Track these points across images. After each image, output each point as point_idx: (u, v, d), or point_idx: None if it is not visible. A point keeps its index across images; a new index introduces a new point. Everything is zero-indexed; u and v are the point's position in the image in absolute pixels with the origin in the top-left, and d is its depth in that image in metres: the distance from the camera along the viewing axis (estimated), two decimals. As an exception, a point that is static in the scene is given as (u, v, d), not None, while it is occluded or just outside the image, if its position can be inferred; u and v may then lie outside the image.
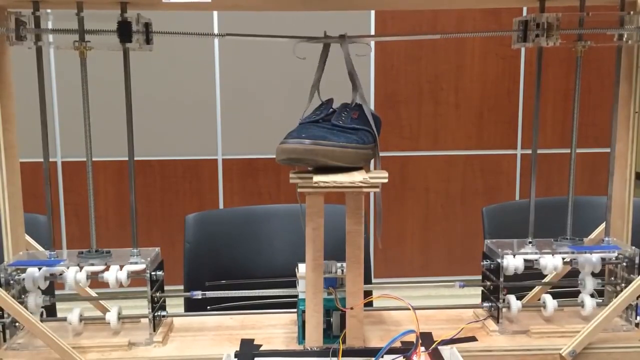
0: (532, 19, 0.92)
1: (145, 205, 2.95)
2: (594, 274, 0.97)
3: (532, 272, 0.96)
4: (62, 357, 0.85)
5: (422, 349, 0.84)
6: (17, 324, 0.92)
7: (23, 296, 0.92)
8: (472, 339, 0.93)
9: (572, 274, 0.99)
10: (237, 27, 2.86)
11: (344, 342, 0.88)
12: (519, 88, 3.03)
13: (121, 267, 0.91)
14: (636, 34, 0.91)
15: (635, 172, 0.99)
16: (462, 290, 1.00)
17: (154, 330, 0.93)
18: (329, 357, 0.84)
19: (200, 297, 0.96)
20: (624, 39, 0.93)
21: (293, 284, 0.93)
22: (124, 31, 0.89)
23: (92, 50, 0.91)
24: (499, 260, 0.94)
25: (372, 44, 2.96)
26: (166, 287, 1.00)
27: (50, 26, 0.90)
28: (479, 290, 1.02)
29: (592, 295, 0.97)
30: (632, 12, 0.91)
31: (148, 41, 0.92)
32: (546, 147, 3.02)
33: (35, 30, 0.89)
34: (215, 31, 2.85)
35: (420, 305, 0.97)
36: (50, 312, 1.01)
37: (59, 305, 1.19)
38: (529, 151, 3.01)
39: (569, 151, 0.99)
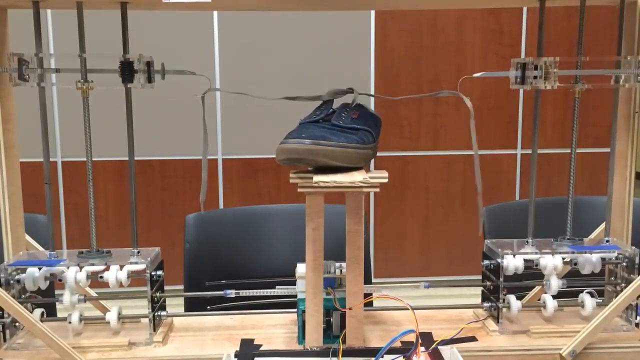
0: (530, 62, 0.92)
1: (145, 205, 2.96)
2: (593, 274, 0.97)
3: (532, 272, 0.96)
4: (62, 357, 0.85)
5: (422, 349, 0.84)
6: (17, 324, 0.92)
7: (23, 296, 0.93)
8: (472, 339, 0.93)
9: (572, 274, 0.99)
10: (237, 27, 2.86)
11: (344, 342, 0.88)
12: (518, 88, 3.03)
13: (121, 267, 0.91)
14: (633, 77, 0.93)
15: (635, 172, 0.99)
16: (462, 290, 1.00)
17: (154, 330, 0.93)
18: (329, 357, 0.84)
19: (232, 295, 0.96)
20: (621, 82, 0.94)
21: (293, 284, 0.93)
22: (126, 71, 0.90)
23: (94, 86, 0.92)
24: (499, 260, 0.94)
25: (372, 44, 2.96)
26: (166, 287, 1.00)
27: (53, 65, 0.91)
28: (479, 290, 1.02)
29: (592, 295, 0.98)
30: (629, 57, 0.93)
31: (150, 80, 0.93)
32: (546, 147, 3.03)
33: (38, 70, 0.90)
34: (216, 32, 2.85)
35: (420, 305, 0.97)
36: (50, 312, 1.01)
37: (59, 305, 1.19)
38: (529, 151, 3.01)
39: (569, 151, 0.99)
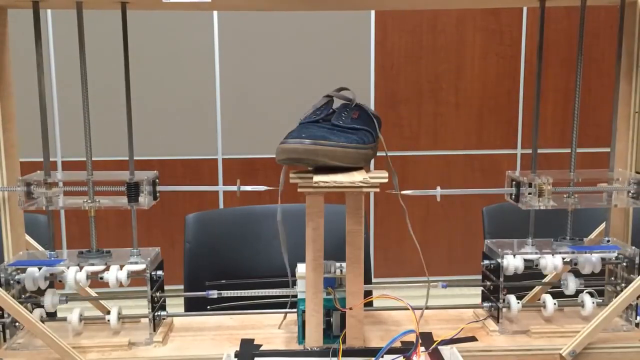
0: (524, 181, 0.93)
1: (145, 205, 2.95)
2: (593, 274, 0.97)
3: (532, 272, 0.96)
4: (62, 357, 0.85)
5: (422, 349, 0.84)
6: (17, 324, 0.92)
7: (23, 296, 0.93)
8: (472, 339, 0.93)
9: (572, 274, 0.99)
10: (237, 27, 2.86)
11: (344, 342, 0.88)
12: (519, 88, 3.03)
13: (121, 267, 0.91)
14: (625, 197, 0.94)
15: (635, 172, 0.99)
16: (462, 290, 1.00)
17: (154, 330, 0.93)
18: (329, 357, 0.84)
19: (215, 296, 0.97)
20: (613, 201, 0.95)
21: (293, 284, 0.93)
22: (132, 192, 0.91)
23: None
24: (499, 260, 0.94)
25: (372, 44, 2.96)
26: (166, 287, 1.00)
27: (60, 184, 0.92)
28: (479, 290, 1.02)
29: (592, 295, 0.98)
30: (619, 178, 0.94)
31: (155, 197, 0.94)
32: (546, 147, 3.03)
33: (45, 193, 0.91)
34: (216, 32, 2.85)
35: (420, 305, 0.97)
36: (50, 312, 1.01)
37: (59, 305, 1.18)
38: (529, 151, 3.01)
39: (569, 151, 0.99)
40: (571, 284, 0.96)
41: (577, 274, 0.98)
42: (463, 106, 3.03)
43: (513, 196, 0.95)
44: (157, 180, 0.94)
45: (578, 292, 0.99)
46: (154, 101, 2.86)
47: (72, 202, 0.93)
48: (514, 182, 0.95)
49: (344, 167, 0.85)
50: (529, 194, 0.93)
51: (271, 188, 0.93)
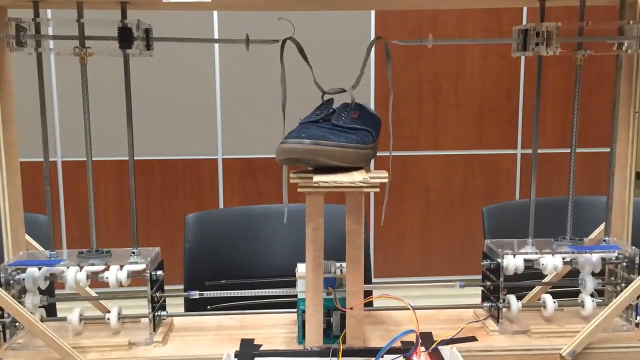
0: (532, 27, 0.92)
1: (145, 205, 2.95)
2: (593, 274, 0.97)
3: (532, 272, 0.96)
4: (62, 357, 0.85)
5: (422, 349, 0.84)
6: (17, 324, 0.92)
7: (23, 296, 0.93)
8: (472, 339, 0.93)
9: (572, 274, 0.99)
10: (237, 27, 2.86)
11: (344, 342, 0.88)
12: (519, 88, 3.03)
13: (121, 267, 0.91)
14: (636, 43, 0.92)
15: (635, 172, 0.99)
16: (462, 290, 1.00)
17: (154, 330, 0.93)
18: (329, 357, 0.84)
19: (197, 296, 0.96)
20: (624, 49, 0.93)
21: (293, 284, 0.93)
22: (125, 37, 0.89)
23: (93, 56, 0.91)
24: (499, 260, 0.94)
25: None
26: (166, 287, 1.00)
27: (50, 32, 0.90)
28: (479, 290, 1.02)
29: (592, 295, 0.97)
30: (631, 22, 0.92)
31: (148, 47, 0.92)
32: (546, 147, 3.03)
33: (35, 36, 0.89)
34: (216, 32, 2.85)
35: (420, 305, 0.97)
36: (50, 312, 1.01)
37: (59, 305, 1.19)
38: (529, 151, 3.01)
39: (569, 151, 0.99)
40: (589, 284, 0.96)
41: (576, 273, 0.98)
42: (463, 106, 3.03)
43: (519, 46, 0.93)
44: (150, 29, 0.93)
45: (578, 293, 0.99)
46: (154, 101, 2.86)
47: (63, 47, 0.90)
48: (520, 31, 0.92)
49: (344, 167, 0.85)
50: (537, 44, 0.91)
51: (275, 40, 0.92)
